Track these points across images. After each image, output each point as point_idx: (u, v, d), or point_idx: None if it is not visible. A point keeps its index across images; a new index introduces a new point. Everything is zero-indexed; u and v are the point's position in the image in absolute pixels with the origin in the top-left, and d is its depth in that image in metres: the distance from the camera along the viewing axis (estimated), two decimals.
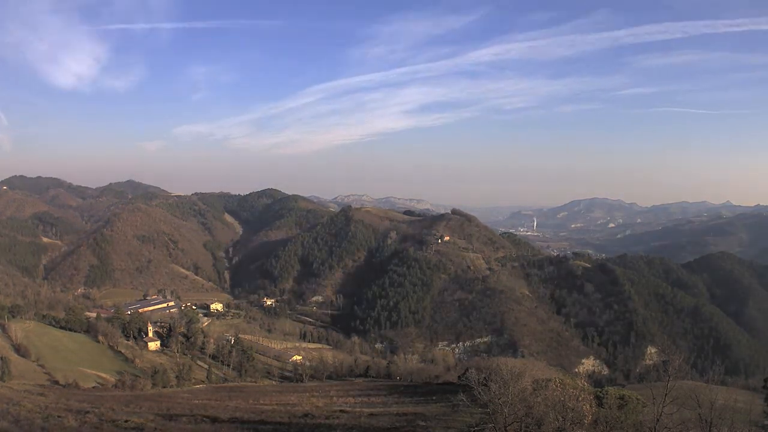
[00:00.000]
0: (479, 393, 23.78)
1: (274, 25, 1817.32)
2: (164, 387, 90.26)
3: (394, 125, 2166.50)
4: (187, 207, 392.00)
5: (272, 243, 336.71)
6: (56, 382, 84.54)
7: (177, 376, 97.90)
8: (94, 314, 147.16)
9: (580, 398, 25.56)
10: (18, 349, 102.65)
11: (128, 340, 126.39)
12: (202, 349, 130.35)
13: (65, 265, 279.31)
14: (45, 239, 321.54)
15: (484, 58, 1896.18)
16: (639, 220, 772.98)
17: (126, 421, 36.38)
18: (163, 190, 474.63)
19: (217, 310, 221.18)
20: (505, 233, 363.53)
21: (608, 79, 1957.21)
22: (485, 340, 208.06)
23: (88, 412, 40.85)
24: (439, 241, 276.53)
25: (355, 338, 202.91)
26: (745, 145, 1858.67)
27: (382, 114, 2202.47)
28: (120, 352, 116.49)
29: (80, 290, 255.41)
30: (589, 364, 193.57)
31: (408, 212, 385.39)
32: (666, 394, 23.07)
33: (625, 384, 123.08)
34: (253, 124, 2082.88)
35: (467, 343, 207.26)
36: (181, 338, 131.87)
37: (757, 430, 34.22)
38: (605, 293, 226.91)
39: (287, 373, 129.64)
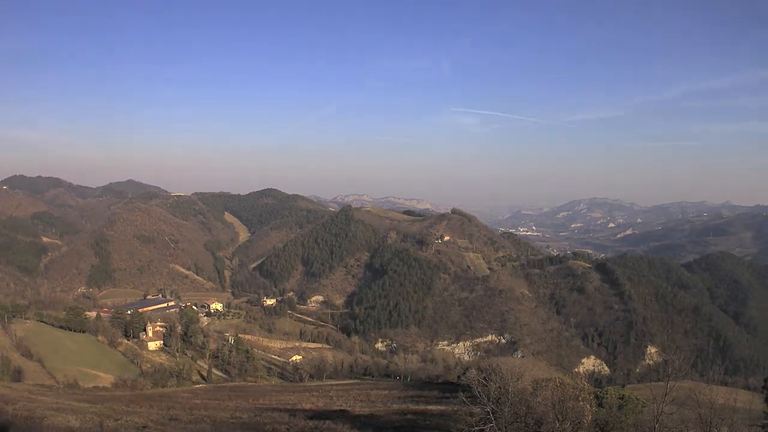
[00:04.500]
0: (479, 393, 23.76)
1: None
2: (164, 387, 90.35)
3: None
4: (187, 207, 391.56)
5: (272, 243, 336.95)
6: (57, 382, 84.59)
7: (177, 376, 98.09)
8: (94, 314, 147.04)
9: (580, 398, 25.53)
10: (18, 349, 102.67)
11: (128, 340, 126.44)
12: (202, 348, 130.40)
13: (65, 265, 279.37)
14: (45, 239, 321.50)
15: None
16: (639, 220, 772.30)
17: (127, 421, 36.42)
18: (163, 190, 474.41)
19: (217, 309, 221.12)
20: (505, 233, 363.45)
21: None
22: (486, 339, 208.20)
23: (89, 411, 40.87)
24: (440, 240, 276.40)
25: (356, 338, 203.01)
26: (745, 144, 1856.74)
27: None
28: (120, 352, 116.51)
29: (80, 290, 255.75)
30: (589, 364, 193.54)
31: (408, 212, 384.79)
32: (666, 394, 23.03)
33: (625, 384, 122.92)
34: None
35: (468, 343, 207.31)
36: (181, 338, 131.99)
37: (757, 429, 34.16)
38: (605, 293, 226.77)
39: (287, 373, 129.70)
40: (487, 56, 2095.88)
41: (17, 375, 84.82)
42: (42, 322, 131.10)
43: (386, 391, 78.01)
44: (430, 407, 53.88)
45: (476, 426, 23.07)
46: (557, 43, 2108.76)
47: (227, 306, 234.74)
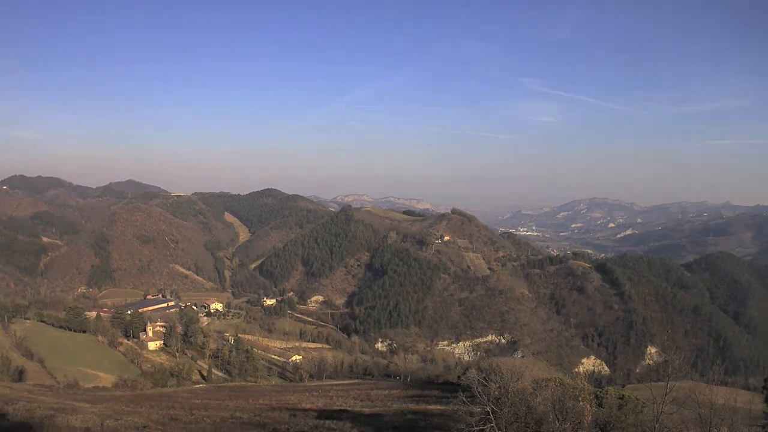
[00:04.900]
0: (479, 393, 23.76)
1: None
2: (164, 387, 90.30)
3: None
4: (187, 207, 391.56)
5: (273, 243, 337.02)
6: (57, 382, 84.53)
7: (177, 376, 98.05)
8: (94, 314, 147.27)
9: (580, 398, 25.55)
10: (18, 349, 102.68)
11: (128, 340, 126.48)
12: (203, 348, 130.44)
13: (65, 265, 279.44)
14: (45, 239, 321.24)
15: None
16: (639, 220, 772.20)
17: (128, 421, 36.44)
18: (163, 190, 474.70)
19: (217, 309, 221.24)
20: (505, 233, 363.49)
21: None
22: (486, 339, 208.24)
23: (89, 411, 40.88)
24: (439, 240, 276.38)
25: (356, 338, 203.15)
26: (745, 144, 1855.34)
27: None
28: (120, 352, 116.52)
29: (80, 290, 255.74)
30: (589, 364, 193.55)
31: (408, 212, 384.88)
32: (666, 394, 23.01)
33: (625, 384, 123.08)
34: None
35: (468, 343, 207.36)
36: (181, 338, 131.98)
37: (757, 429, 34.19)
38: (605, 293, 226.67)
39: (287, 373, 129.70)
40: (488, 56, 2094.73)
41: (17, 375, 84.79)
42: (42, 322, 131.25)
43: (386, 391, 78.00)
44: (430, 407, 53.88)
45: (476, 426, 23.06)
46: (563, 37, 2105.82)
47: (227, 306, 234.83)
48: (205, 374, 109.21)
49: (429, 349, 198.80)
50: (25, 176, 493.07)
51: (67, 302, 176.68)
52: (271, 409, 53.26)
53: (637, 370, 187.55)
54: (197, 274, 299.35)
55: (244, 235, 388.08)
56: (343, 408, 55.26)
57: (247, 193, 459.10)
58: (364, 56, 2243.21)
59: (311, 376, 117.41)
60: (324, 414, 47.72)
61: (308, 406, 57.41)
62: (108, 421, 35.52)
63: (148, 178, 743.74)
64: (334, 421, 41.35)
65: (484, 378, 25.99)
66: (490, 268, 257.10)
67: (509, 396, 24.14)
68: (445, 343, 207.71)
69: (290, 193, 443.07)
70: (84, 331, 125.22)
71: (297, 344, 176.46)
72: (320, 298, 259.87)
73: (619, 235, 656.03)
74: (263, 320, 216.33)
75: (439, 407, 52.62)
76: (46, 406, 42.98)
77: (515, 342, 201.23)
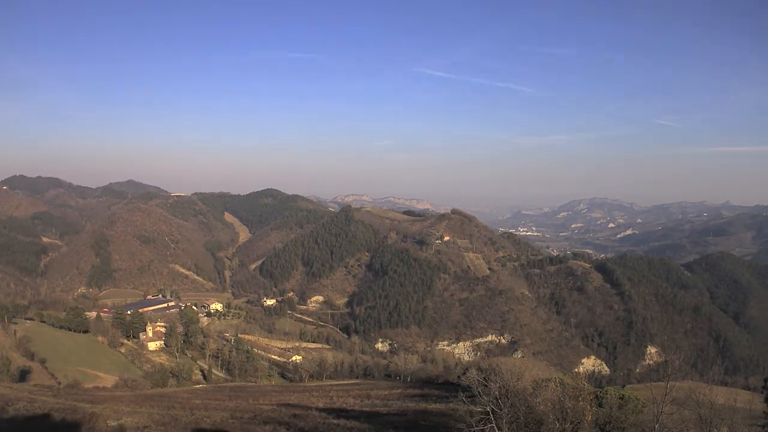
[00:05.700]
0: (479, 393, 23.81)
1: None
2: (164, 387, 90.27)
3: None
4: (187, 207, 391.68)
5: (273, 243, 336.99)
6: (57, 383, 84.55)
7: (177, 376, 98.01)
8: (94, 314, 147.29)
9: (580, 398, 25.57)
10: (19, 349, 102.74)
11: (129, 340, 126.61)
12: (202, 349, 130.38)
13: (65, 265, 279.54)
14: (45, 239, 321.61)
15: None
16: (639, 220, 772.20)
17: (128, 421, 36.49)
18: (163, 190, 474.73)
19: (217, 310, 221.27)
20: (505, 233, 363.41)
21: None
22: (486, 339, 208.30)
23: (89, 412, 40.92)
24: (440, 241, 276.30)
25: (356, 338, 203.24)
26: (744, 144, 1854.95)
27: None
28: (121, 352, 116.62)
29: (80, 290, 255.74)
30: (589, 364, 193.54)
31: (408, 212, 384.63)
32: (666, 394, 23.05)
33: (625, 384, 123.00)
34: None
35: (468, 343, 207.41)
36: (181, 338, 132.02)
37: (757, 429, 34.25)
38: (605, 293, 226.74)
39: (288, 373, 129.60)
40: (493, 58, 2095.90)
41: (18, 375, 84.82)
42: (42, 322, 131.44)
43: (386, 391, 77.95)
44: (430, 407, 53.91)
45: (476, 426, 23.10)
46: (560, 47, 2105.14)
47: (227, 306, 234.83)
48: (206, 374, 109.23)
49: (429, 349, 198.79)
50: (25, 176, 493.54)
51: (68, 302, 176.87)
52: (272, 408, 53.31)
53: (637, 370, 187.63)
54: (197, 275, 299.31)
55: (244, 235, 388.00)
56: (343, 407, 55.30)
57: (247, 193, 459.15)
58: (366, 55, 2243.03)
59: (311, 376, 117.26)
60: (325, 413, 47.77)
61: (309, 405, 57.45)
62: (109, 422, 35.58)
63: (148, 178, 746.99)
64: (335, 420, 41.42)
65: (484, 378, 26.03)
66: (490, 268, 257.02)
67: (509, 396, 24.17)
68: (445, 343, 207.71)
69: (290, 193, 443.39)
70: (84, 332, 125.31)
71: (297, 344, 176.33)
72: (320, 298, 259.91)
73: (619, 235, 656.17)
74: (263, 320, 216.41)
75: (439, 407, 52.65)
76: (46, 406, 43.01)
77: (515, 342, 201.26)
